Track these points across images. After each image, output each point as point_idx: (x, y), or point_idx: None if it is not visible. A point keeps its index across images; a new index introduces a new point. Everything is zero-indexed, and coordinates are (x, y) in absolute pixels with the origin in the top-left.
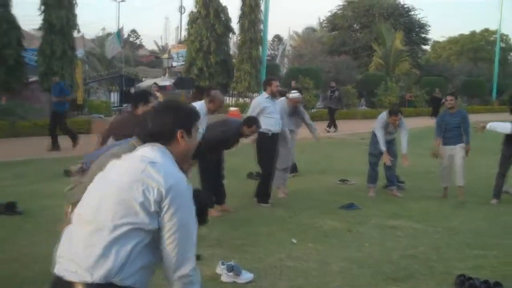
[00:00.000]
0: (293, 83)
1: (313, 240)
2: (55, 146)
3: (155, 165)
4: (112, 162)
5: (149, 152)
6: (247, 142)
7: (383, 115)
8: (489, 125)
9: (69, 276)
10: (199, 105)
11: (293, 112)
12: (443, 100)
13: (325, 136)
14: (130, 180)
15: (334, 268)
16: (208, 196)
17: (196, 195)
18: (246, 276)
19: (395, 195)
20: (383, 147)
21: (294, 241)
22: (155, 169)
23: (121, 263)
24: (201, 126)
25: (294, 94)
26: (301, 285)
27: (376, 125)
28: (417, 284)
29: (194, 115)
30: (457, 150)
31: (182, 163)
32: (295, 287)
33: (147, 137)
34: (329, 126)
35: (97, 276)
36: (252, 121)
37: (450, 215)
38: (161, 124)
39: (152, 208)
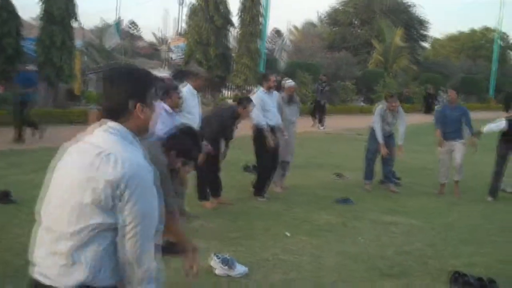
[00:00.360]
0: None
1: (308, 234)
2: (37, 132)
3: (108, 156)
4: (68, 149)
5: (101, 138)
6: (244, 135)
7: (380, 105)
8: (485, 130)
9: (44, 280)
10: (186, 89)
11: (291, 100)
12: (438, 97)
13: (322, 131)
14: (84, 180)
15: (328, 263)
16: (203, 188)
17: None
18: (240, 269)
19: (392, 191)
20: (380, 139)
21: (288, 234)
22: (108, 162)
23: (93, 269)
24: (194, 108)
25: (289, 82)
26: (294, 278)
27: (374, 117)
28: (412, 280)
29: (150, 82)
30: (458, 146)
31: (141, 135)
32: (289, 280)
33: (105, 114)
34: (321, 123)
35: (69, 284)
36: (246, 102)
37: (446, 212)
38: (114, 98)
39: (111, 204)
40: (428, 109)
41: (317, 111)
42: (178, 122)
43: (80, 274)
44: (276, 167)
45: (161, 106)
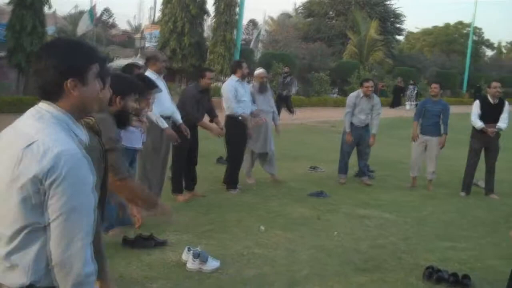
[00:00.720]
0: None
1: (282, 227)
2: None
3: (31, 147)
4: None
5: (27, 123)
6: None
7: (353, 93)
8: (478, 127)
9: None
10: (147, 73)
11: (262, 88)
12: (411, 88)
13: (297, 123)
14: (8, 176)
15: (302, 257)
16: (178, 181)
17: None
18: (212, 263)
19: (366, 184)
20: (347, 126)
21: (262, 228)
22: (30, 154)
23: (36, 271)
24: (162, 92)
25: (259, 70)
26: (268, 273)
27: (346, 107)
28: (385, 275)
29: (86, 55)
30: (433, 143)
31: (80, 115)
32: (262, 275)
33: (38, 94)
34: (291, 112)
35: (14, 286)
36: (202, 71)
37: (420, 206)
38: (42, 74)
39: (39, 201)
40: (397, 103)
41: (281, 103)
42: None
43: (22, 277)
44: (242, 157)
45: None
